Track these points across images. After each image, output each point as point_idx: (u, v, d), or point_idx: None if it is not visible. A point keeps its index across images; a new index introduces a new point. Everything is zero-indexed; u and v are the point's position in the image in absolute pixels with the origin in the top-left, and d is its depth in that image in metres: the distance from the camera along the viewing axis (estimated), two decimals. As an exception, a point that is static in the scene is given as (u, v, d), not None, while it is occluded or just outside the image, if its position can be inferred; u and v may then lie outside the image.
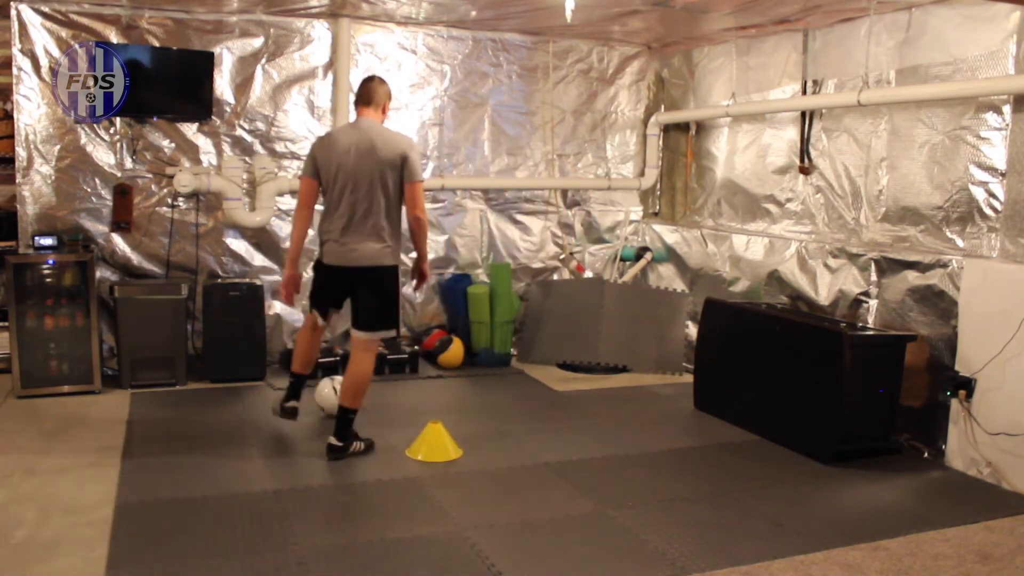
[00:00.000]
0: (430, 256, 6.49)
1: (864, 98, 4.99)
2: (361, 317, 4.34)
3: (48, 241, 5.37)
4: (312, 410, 5.22)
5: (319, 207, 4.40)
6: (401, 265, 4.45)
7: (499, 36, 6.54)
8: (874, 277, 4.93)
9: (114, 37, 5.56)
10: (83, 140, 5.62)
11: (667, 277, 6.83)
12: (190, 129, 5.85)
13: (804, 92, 5.70)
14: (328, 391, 4.96)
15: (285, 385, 4.79)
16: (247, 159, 5.97)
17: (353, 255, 4.24)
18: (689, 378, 5.67)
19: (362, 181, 4.20)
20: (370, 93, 4.35)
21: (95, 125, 5.62)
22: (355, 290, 4.33)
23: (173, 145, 5.82)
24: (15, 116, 5.46)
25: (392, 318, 4.41)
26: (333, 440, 4.35)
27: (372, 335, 4.34)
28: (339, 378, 4.87)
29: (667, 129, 7.11)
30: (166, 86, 5.67)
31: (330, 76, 6.11)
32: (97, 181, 5.68)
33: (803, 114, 5.69)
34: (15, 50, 5.41)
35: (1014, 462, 4.10)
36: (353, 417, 4.36)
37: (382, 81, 4.44)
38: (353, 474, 4.14)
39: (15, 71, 5.42)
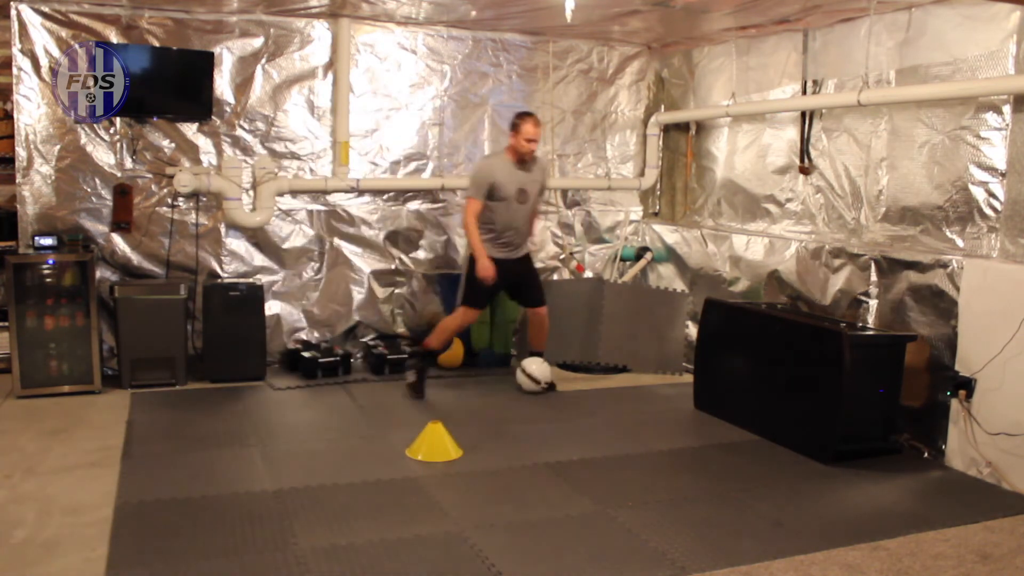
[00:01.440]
0: (430, 255, 6.60)
1: (864, 98, 4.99)
2: None
3: (48, 241, 5.37)
4: (312, 409, 5.26)
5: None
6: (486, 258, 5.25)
7: (499, 36, 6.54)
8: (874, 277, 4.93)
9: (114, 37, 5.56)
10: (83, 140, 5.62)
11: (667, 277, 6.83)
12: (190, 129, 5.85)
13: (804, 92, 5.70)
14: (527, 367, 5.70)
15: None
16: (247, 159, 5.97)
17: None
18: (689, 378, 5.67)
19: None
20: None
21: (95, 125, 5.62)
22: None
23: (173, 145, 5.82)
24: (15, 116, 5.46)
25: (461, 297, 5.63)
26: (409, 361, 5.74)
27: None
28: (532, 360, 5.67)
29: (667, 129, 7.10)
30: (166, 86, 5.67)
31: (330, 76, 6.11)
32: (97, 181, 5.68)
33: (803, 114, 5.69)
34: (15, 50, 5.41)
35: (1014, 462, 4.10)
36: (425, 353, 5.60)
37: (518, 115, 5.35)
38: (353, 474, 4.14)
39: (15, 71, 5.42)
